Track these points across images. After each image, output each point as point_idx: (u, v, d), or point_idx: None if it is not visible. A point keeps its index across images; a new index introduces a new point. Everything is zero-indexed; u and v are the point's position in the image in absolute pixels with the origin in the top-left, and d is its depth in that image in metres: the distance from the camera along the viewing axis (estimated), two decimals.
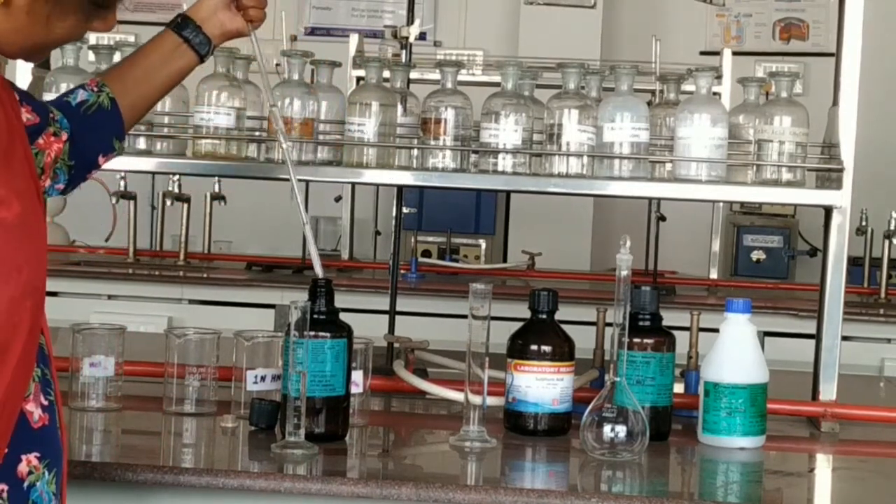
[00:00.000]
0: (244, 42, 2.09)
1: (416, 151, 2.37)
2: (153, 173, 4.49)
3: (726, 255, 5.48)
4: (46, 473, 1.57)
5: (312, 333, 2.03)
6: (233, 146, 2.36)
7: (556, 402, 2.18)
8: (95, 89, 1.92)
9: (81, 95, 1.91)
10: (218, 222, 5.23)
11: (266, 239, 5.85)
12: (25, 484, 1.54)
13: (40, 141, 1.83)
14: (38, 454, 1.56)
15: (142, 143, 2.42)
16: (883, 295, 4.65)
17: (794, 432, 2.35)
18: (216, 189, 5.11)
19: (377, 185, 4.75)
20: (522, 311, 2.25)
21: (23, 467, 1.54)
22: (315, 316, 2.05)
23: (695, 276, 5.12)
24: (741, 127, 2.42)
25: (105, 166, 2.26)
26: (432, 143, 2.32)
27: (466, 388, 2.09)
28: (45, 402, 1.59)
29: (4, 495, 1.53)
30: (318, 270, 2.05)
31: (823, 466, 2.25)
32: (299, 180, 2.11)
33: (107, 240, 5.39)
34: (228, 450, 2.11)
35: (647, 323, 2.22)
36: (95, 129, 1.90)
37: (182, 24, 1.98)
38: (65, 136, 1.86)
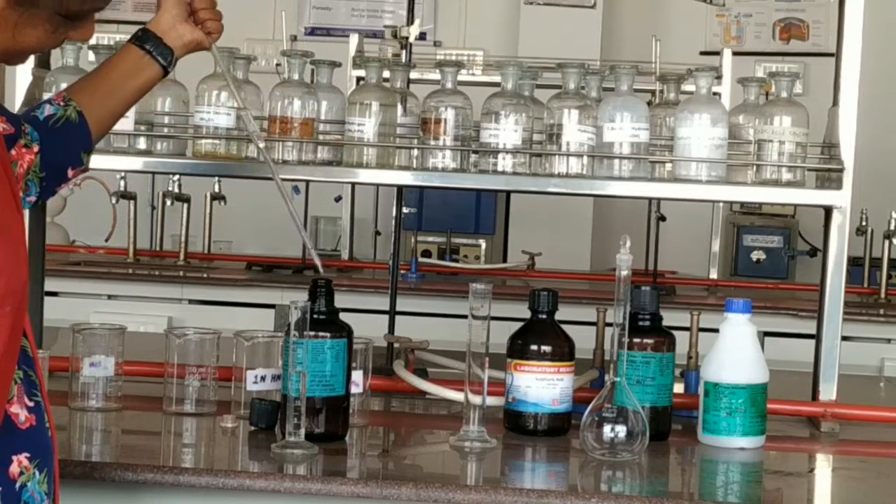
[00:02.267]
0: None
1: (416, 151, 2.37)
2: (153, 173, 4.50)
3: (726, 255, 5.48)
4: (37, 473, 1.57)
5: (312, 333, 2.03)
6: (233, 146, 2.36)
7: (556, 402, 2.18)
8: (62, 103, 1.92)
9: (48, 110, 1.91)
10: (218, 222, 5.23)
11: (266, 239, 5.85)
12: (17, 485, 1.55)
13: (13, 152, 1.83)
14: (27, 454, 1.57)
15: (142, 143, 2.42)
16: (883, 295, 4.66)
17: (794, 432, 2.35)
18: (216, 189, 5.11)
19: (377, 185, 4.75)
20: (522, 311, 2.25)
21: (14, 468, 1.54)
22: (315, 316, 2.05)
23: (695, 276, 5.12)
24: (741, 127, 2.42)
25: (104, 166, 2.26)
26: (432, 143, 2.32)
27: (466, 388, 2.09)
28: (31, 403, 1.59)
29: None
30: (318, 266, 2.05)
31: (823, 466, 2.25)
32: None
33: (107, 240, 5.39)
34: (228, 450, 2.11)
35: (647, 323, 2.22)
36: (64, 142, 1.90)
37: (143, 37, 1.99)
38: (36, 148, 1.87)
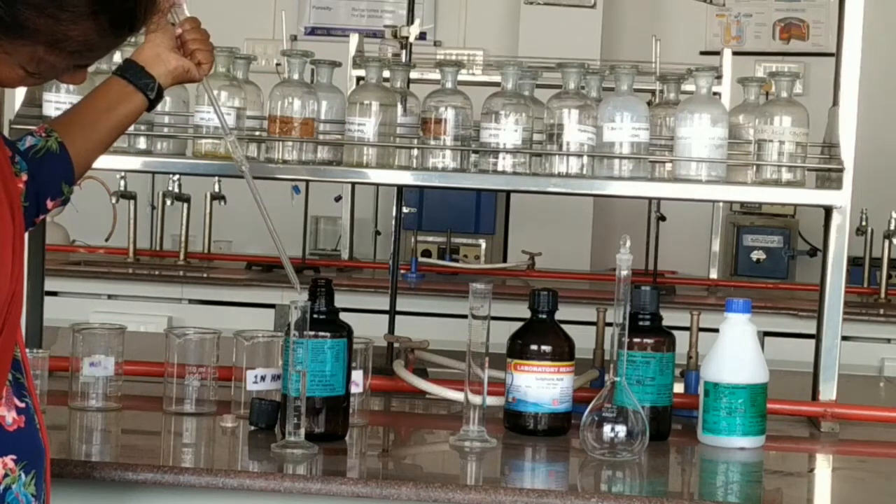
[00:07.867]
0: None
1: (416, 151, 2.37)
2: (153, 173, 4.50)
3: (726, 255, 5.48)
4: (23, 475, 1.58)
5: (312, 333, 2.03)
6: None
7: (555, 402, 2.18)
8: (43, 135, 1.89)
9: (29, 141, 1.88)
10: (218, 222, 5.23)
11: (266, 239, 5.78)
12: (1, 487, 1.55)
13: None
14: (14, 457, 1.57)
15: (142, 143, 2.42)
16: (883, 295, 4.66)
17: (794, 432, 2.35)
18: (216, 189, 5.11)
19: (377, 185, 4.75)
20: (522, 311, 2.25)
21: None
22: (315, 316, 2.05)
23: (695, 276, 5.13)
24: (741, 127, 2.42)
25: (104, 166, 2.26)
26: (432, 143, 2.33)
27: (466, 388, 2.09)
28: (21, 405, 1.60)
29: None
30: (296, 285, 2.04)
31: (823, 466, 2.25)
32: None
33: (107, 240, 5.38)
34: (228, 450, 2.11)
35: (647, 323, 2.22)
36: (46, 173, 1.87)
37: (124, 68, 1.97)
38: (24, 177, 1.83)
